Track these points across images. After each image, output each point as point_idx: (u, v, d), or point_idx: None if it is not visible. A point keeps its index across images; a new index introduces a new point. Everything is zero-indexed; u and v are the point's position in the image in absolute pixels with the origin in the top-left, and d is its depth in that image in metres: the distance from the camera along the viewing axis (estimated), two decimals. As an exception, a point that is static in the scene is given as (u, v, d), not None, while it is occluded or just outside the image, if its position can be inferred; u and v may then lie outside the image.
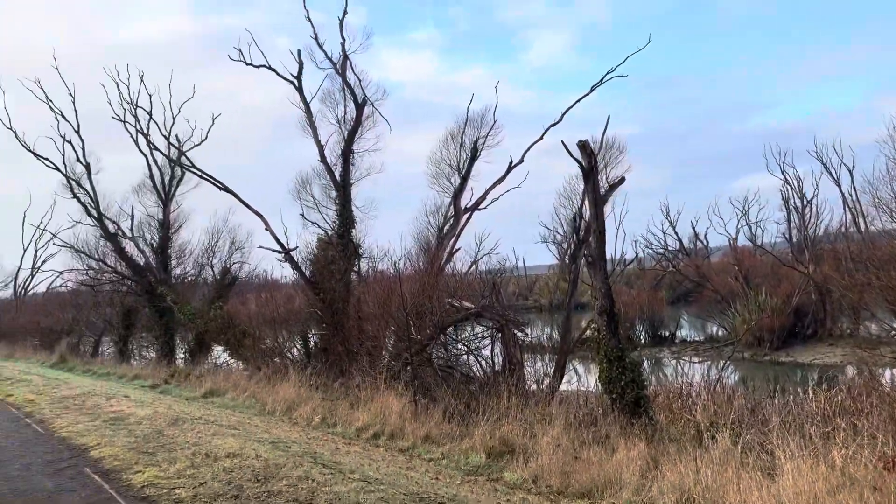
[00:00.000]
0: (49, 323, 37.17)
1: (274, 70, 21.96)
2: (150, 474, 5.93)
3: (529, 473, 8.81)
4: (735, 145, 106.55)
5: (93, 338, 35.44)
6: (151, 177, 30.70)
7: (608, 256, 14.50)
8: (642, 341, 38.29)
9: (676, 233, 52.45)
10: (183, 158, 24.91)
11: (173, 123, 28.84)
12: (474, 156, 23.82)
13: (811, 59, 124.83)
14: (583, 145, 12.44)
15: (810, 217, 40.37)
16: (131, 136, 30.19)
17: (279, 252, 21.12)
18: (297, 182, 23.46)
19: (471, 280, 18.29)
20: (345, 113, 23.32)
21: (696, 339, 38.85)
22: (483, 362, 16.24)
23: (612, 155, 24.15)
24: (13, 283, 51.79)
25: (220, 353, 29.20)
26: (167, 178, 31.01)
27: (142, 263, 29.70)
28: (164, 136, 27.92)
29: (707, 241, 53.25)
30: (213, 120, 29.21)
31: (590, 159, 12.44)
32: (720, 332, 37.01)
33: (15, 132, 30.20)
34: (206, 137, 28.91)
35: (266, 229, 21.03)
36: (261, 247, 21.26)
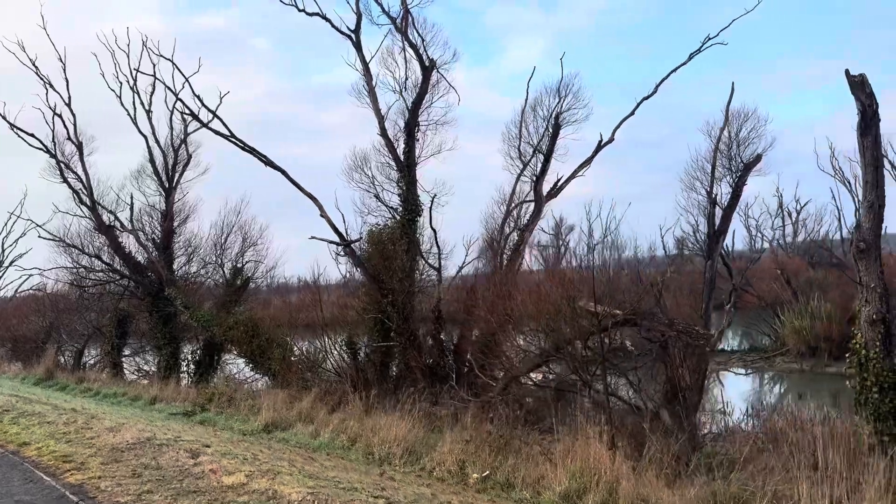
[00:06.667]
0: (23, 330, 32.24)
1: (329, 20, 17.94)
2: None
3: None
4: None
5: (74, 347, 30.57)
6: (152, 160, 26.08)
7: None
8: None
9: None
10: (216, 121, 20.20)
11: (176, 100, 24.20)
12: (556, 132, 20.11)
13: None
14: (860, 82, 8.81)
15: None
16: (128, 114, 25.77)
17: (338, 244, 17.10)
18: (351, 160, 19.21)
19: (615, 279, 14.48)
20: (405, 79, 19.43)
21: (741, 348, 35.58)
22: (632, 388, 12.49)
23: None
24: (-25, 284, 46.10)
25: (234, 366, 24.98)
26: (170, 163, 26.46)
27: (142, 261, 25.16)
28: (173, 106, 23.58)
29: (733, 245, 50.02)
30: (221, 98, 24.43)
31: (870, 100, 8.80)
32: (765, 342, 33.91)
33: (-9, 101, 25.52)
34: (213, 117, 24.27)
35: (322, 215, 17.01)
36: (313, 237, 17.19)
